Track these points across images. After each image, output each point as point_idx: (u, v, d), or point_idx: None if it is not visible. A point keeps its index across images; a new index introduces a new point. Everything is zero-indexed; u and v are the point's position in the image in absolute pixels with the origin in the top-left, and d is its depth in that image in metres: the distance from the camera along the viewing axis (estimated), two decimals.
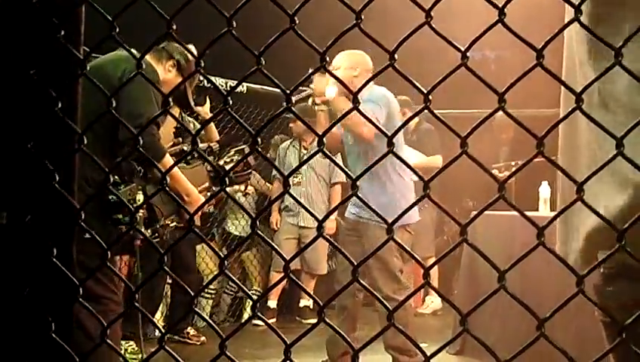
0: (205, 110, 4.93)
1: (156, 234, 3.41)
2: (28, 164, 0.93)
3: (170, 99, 0.99)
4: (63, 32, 0.96)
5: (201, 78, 4.23)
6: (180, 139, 3.51)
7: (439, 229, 7.60)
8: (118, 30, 0.95)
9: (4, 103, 0.97)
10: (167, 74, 3.43)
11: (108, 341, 0.89)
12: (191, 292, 0.95)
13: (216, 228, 6.62)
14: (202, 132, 4.82)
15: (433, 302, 7.10)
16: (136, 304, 0.93)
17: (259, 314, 0.89)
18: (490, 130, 6.71)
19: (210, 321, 5.85)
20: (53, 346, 0.89)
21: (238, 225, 6.60)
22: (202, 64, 0.92)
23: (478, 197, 6.71)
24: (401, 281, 4.14)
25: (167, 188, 0.94)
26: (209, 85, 4.42)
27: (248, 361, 4.85)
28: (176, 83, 3.39)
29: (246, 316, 6.45)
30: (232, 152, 4.15)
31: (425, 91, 0.79)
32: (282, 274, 1.40)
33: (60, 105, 0.93)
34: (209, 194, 3.65)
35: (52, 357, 0.90)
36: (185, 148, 3.41)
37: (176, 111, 4.15)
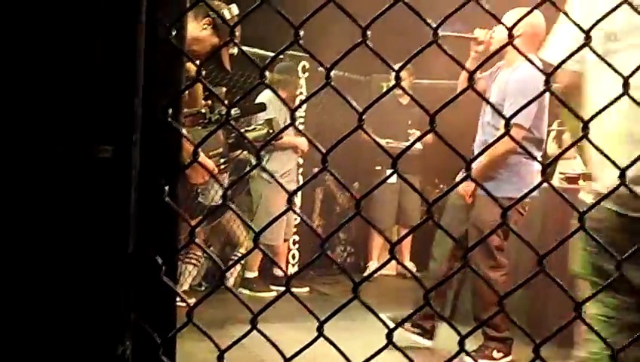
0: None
1: None
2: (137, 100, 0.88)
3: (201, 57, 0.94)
4: None
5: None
6: (210, 102, 3.46)
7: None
8: None
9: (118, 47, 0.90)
10: (201, 31, 3.39)
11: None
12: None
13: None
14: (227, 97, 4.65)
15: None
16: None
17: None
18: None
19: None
20: (161, 289, 0.87)
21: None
22: (236, 25, 0.90)
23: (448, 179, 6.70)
24: (497, 259, 4.12)
25: None
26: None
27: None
28: (210, 41, 3.37)
29: (232, 280, 6.11)
30: (260, 121, 4.12)
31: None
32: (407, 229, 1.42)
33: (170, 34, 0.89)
34: (221, 160, 3.59)
35: (159, 299, 0.89)
36: (203, 111, 3.39)
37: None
